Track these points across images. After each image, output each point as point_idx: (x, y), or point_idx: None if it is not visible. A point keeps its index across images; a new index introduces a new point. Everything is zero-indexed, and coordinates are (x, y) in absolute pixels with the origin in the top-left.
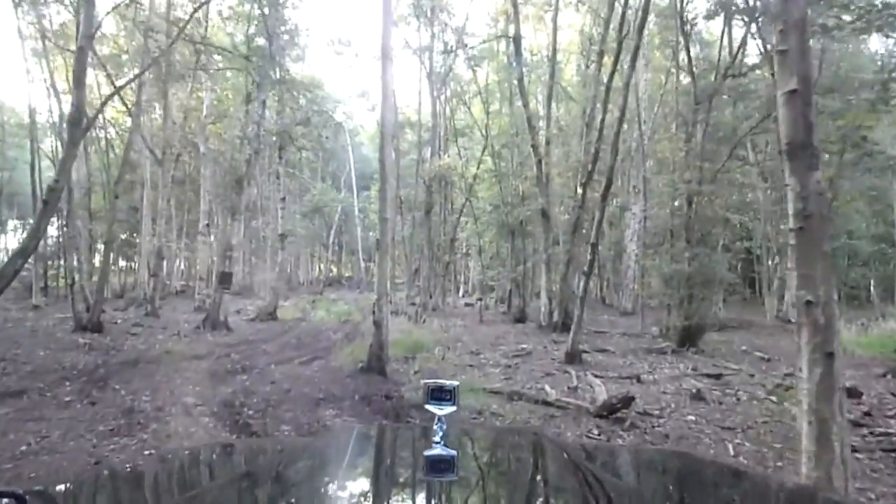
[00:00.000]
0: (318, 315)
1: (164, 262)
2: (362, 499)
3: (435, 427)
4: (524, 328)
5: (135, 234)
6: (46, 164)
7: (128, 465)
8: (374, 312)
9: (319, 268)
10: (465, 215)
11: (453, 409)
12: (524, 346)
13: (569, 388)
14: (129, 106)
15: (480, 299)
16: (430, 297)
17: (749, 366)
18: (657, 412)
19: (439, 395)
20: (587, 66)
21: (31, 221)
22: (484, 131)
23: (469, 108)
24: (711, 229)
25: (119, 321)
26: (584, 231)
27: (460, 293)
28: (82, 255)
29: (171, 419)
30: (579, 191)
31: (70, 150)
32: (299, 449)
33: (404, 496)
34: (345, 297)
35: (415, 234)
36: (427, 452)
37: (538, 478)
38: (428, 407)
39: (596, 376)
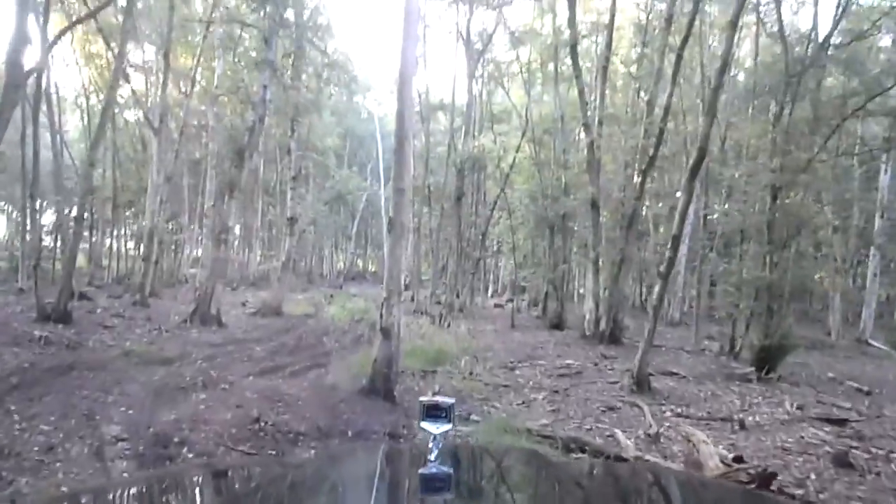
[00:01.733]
0: (330, 312)
1: (160, 246)
2: None
3: (430, 445)
4: (564, 337)
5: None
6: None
7: None
8: (381, 315)
9: (343, 261)
10: (499, 209)
11: (449, 426)
12: (569, 361)
13: (647, 434)
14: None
15: (511, 300)
16: (458, 296)
17: (849, 400)
18: (798, 490)
19: (435, 412)
20: (644, 45)
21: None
22: (524, 115)
23: (507, 92)
24: (798, 230)
25: (100, 310)
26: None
27: (489, 293)
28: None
29: (64, 466)
30: (636, 179)
31: (8, 94)
32: (286, 470)
33: None
34: (365, 293)
35: (442, 226)
36: (422, 471)
37: (536, 498)
38: (423, 425)
39: (678, 416)
